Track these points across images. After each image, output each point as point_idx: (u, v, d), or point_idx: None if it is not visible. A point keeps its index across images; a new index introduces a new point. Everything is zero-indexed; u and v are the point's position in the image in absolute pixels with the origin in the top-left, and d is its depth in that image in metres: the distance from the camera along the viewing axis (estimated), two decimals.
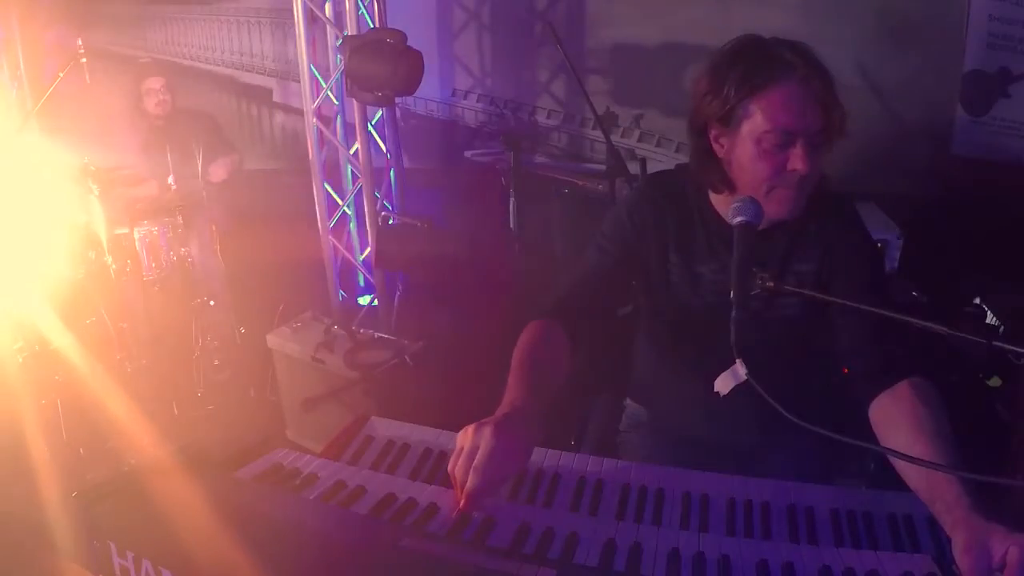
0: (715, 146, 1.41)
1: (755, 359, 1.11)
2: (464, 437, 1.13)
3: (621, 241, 1.53)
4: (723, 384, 1.20)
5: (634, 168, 3.14)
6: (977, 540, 1.00)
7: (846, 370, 1.45)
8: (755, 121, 1.33)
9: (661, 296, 1.57)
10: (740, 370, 1.13)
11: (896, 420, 1.27)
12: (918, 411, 1.24)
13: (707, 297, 1.52)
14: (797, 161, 1.31)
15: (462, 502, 1.09)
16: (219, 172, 3.84)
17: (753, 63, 1.33)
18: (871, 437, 1.30)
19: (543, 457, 1.32)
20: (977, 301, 2.75)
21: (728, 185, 1.43)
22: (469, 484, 1.08)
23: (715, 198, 1.50)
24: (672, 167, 1.63)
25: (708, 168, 1.43)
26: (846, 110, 1.33)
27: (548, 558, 1.01)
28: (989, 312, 2.69)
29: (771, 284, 1.17)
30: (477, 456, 1.10)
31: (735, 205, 1.28)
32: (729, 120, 1.36)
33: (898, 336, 1.33)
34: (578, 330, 1.46)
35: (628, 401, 1.83)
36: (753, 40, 1.36)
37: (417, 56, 3.11)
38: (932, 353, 1.13)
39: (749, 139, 1.34)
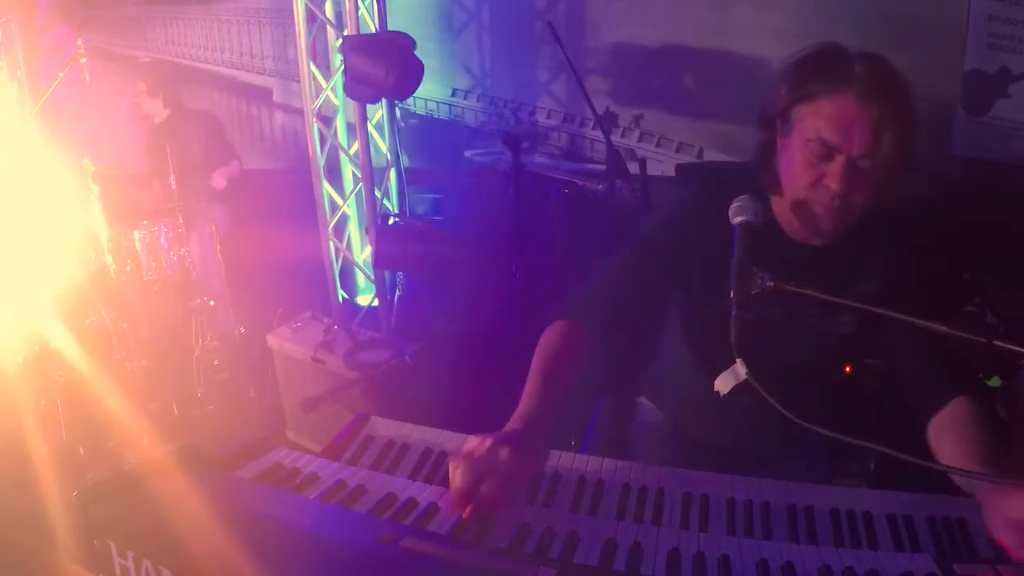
0: (778, 143, 1.39)
1: (804, 374, 1.10)
2: (479, 449, 1.10)
3: (662, 243, 1.49)
4: (723, 384, 1.20)
5: (634, 168, 3.13)
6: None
7: (848, 368, 1.44)
8: (804, 127, 1.31)
9: (704, 303, 1.49)
10: (740, 370, 1.13)
11: (948, 439, 1.32)
12: (966, 431, 1.30)
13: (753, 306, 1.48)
14: (832, 178, 1.27)
15: (467, 511, 1.07)
16: (220, 181, 3.88)
17: (816, 69, 1.30)
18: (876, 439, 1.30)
19: None
20: (977, 301, 2.74)
21: (778, 186, 1.40)
22: (485, 496, 1.06)
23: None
24: (673, 168, 1.61)
25: (766, 164, 1.41)
26: (917, 146, 1.28)
27: (548, 558, 1.01)
28: (989, 312, 2.69)
29: (771, 284, 1.17)
30: (496, 475, 1.07)
31: (736, 205, 1.28)
32: (786, 120, 1.35)
33: (950, 354, 1.36)
34: (603, 334, 1.42)
35: (642, 399, 1.78)
36: (831, 47, 1.33)
37: (417, 64, 3.12)
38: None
39: (796, 144, 1.32)
